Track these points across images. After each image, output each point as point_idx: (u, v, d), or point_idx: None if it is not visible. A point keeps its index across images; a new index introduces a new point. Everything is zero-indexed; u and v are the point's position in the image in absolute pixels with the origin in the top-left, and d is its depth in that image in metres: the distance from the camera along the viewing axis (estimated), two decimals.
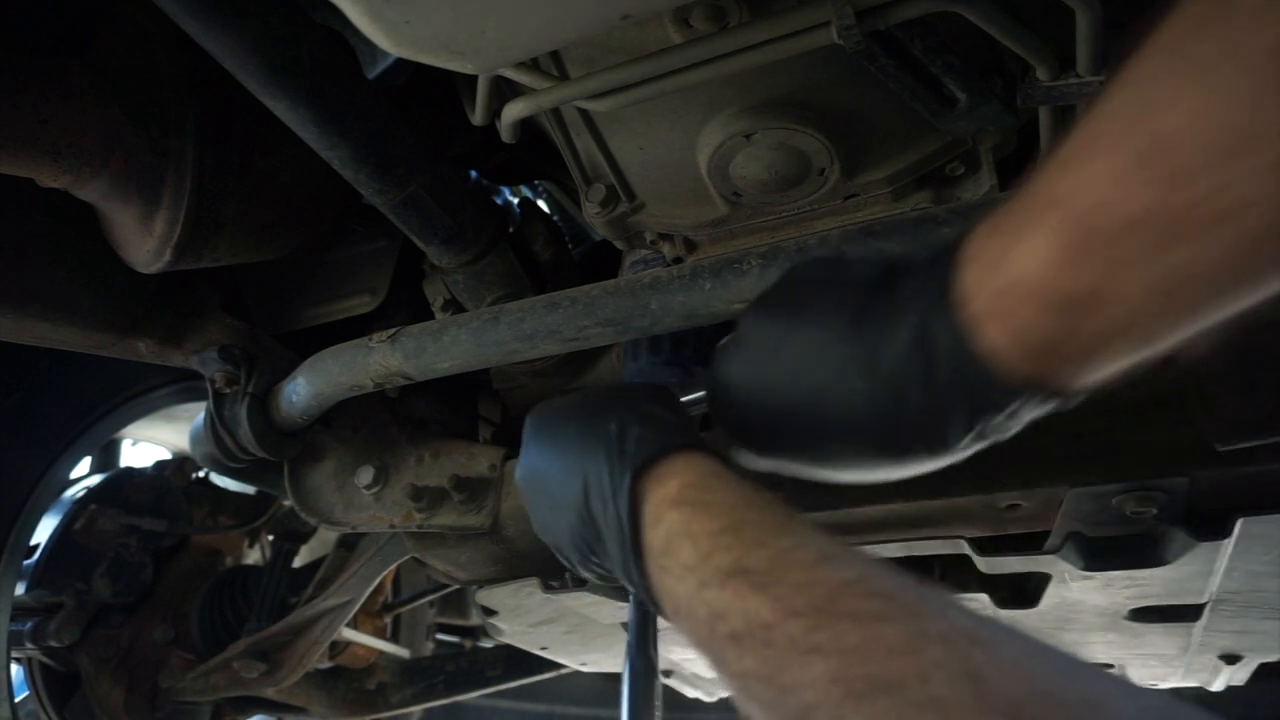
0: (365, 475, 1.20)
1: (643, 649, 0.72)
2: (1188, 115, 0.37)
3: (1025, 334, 0.46)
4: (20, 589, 1.59)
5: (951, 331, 0.49)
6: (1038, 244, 0.44)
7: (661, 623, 0.66)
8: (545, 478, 0.69)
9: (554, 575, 1.23)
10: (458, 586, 1.45)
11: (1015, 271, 0.45)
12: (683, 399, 0.81)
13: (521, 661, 1.96)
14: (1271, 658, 1.28)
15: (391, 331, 0.97)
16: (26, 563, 1.61)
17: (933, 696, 0.38)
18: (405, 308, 1.27)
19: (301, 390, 1.08)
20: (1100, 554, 0.97)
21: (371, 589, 1.63)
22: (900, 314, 0.53)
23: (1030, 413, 0.51)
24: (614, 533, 0.60)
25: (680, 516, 0.56)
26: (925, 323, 0.51)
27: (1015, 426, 0.53)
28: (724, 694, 2.06)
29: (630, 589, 0.62)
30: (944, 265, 0.50)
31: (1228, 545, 0.91)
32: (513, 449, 1.21)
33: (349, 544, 1.81)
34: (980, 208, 0.77)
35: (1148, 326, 0.43)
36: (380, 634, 2.07)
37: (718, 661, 0.51)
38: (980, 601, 1.16)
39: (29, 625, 1.57)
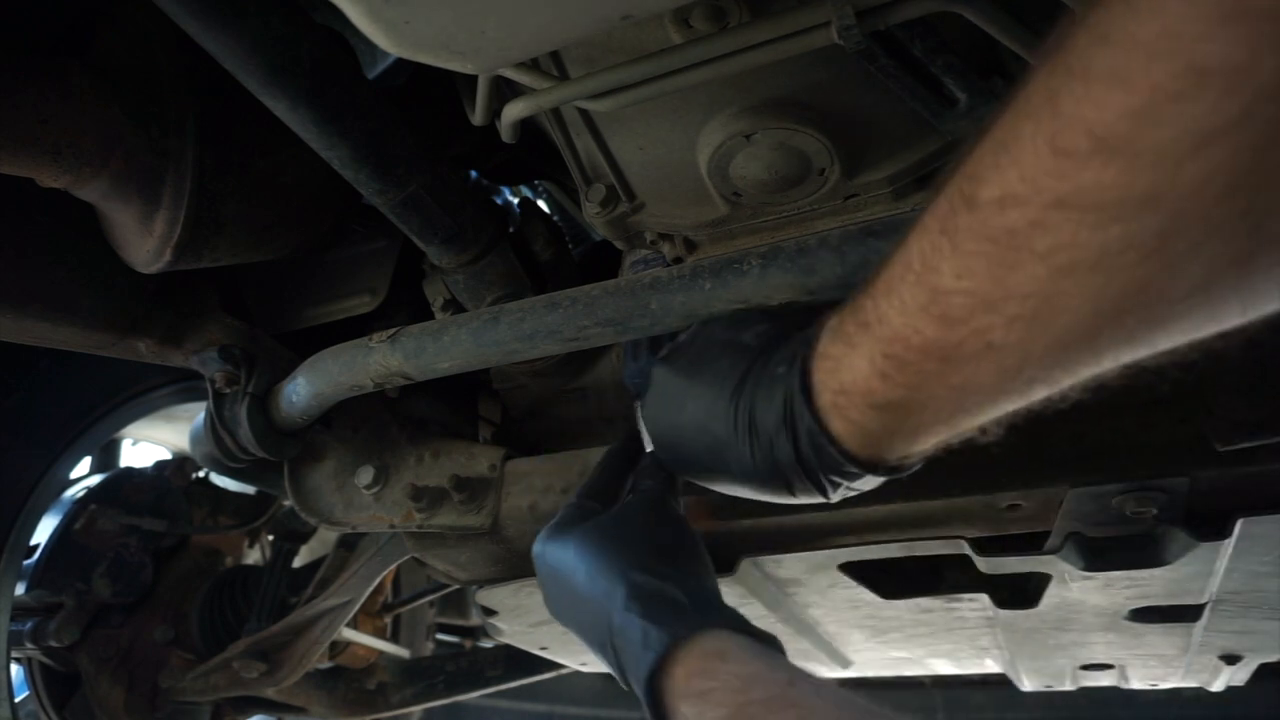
0: (365, 475, 1.20)
1: None
2: (951, 276, 0.47)
3: (859, 428, 0.58)
4: (20, 589, 1.59)
5: (807, 417, 0.61)
6: (859, 359, 0.56)
7: None
8: (571, 625, 0.75)
9: None
10: (458, 586, 1.45)
11: (846, 379, 0.58)
12: None
13: (521, 661, 1.96)
14: (1272, 658, 1.29)
15: (391, 331, 0.97)
16: (26, 563, 1.61)
17: None
18: (405, 308, 1.27)
19: (301, 390, 1.08)
20: (1100, 554, 0.97)
21: (371, 589, 1.63)
22: (773, 390, 0.64)
23: (879, 479, 0.63)
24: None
25: (691, 710, 0.58)
26: (789, 404, 0.63)
27: (873, 485, 0.64)
28: None
29: None
30: (805, 354, 0.62)
31: (1228, 545, 0.91)
32: (513, 449, 1.21)
33: (349, 544, 1.81)
34: None
35: (951, 421, 0.55)
36: (380, 634, 2.07)
37: None
38: (980, 601, 1.16)
39: (29, 625, 1.57)
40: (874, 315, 0.54)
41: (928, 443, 0.59)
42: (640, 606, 0.64)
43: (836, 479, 0.63)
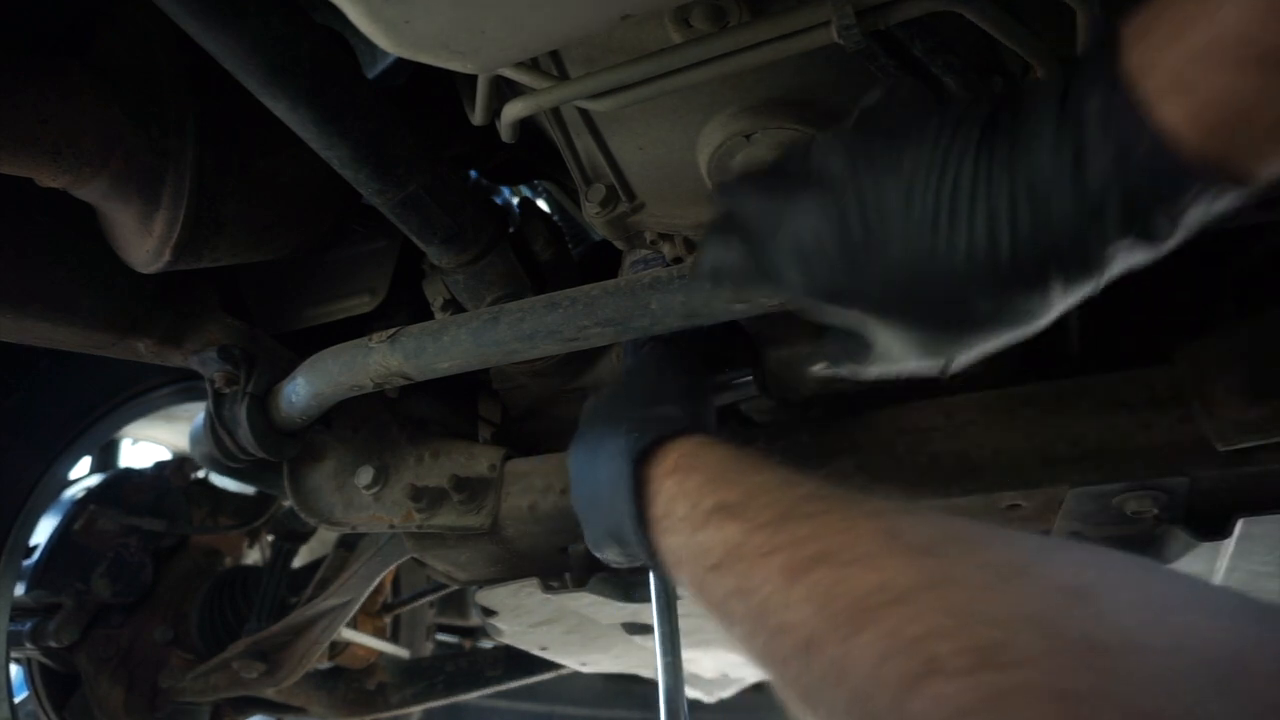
0: (365, 475, 1.20)
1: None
2: None
3: (1217, 103, 0.41)
4: (20, 589, 1.59)
5: (1120, 110, 0.43)
6: (1231, 3, 0.40)
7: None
8: (581, 470, 0.79)
9: (554, 575, 1.23)
10: (458, 587, 1.45)
11: (1200, 38, 0.41)
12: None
13: (521, 661, 1.96)
14: None
15: (391, 331, 0.97)
16: (26, 563, 1.61)
17: (858, 554, 0.46)
18: (405, 308, 1.27)
19: (301, 390, 1.08)
20: None
21: (371, 589, 1.63)
22: (1043, 102, 0.47)
23: (1200, 209, 0.45)
24: (622, 512, 0.68)
25: (674, 480, 0.65)
26: (1082, 108, 0.45)
27: (1175, 232, 0.46)
28: (723, 695, 2.06)
29: (645, 561, 0.71)
30: (1098, 53, 0.45)
31: (1228, 546, 0.91)
32: (513, 449, 1.21)
33: (349, 544, 1.81)
34: None
35: None
36: (380, 634, 2.07)
37: (707, 598, 0.58)
38: None
39: (28, 626, 1.57)
40: None
41: None
42: (637, 425, 0.70)
43: (1137, 210, 0.45)
